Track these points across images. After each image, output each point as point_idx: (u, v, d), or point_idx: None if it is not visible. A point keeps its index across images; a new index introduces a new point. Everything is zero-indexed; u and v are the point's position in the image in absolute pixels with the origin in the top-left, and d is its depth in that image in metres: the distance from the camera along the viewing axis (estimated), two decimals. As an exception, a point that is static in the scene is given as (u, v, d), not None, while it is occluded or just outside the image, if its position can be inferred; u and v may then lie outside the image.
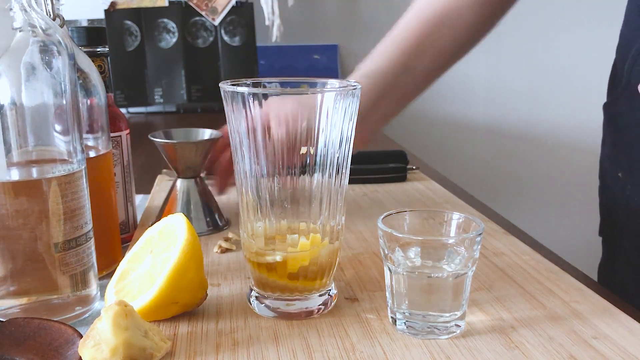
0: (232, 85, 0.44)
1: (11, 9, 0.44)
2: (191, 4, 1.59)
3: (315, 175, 0.44)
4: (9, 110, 0.44)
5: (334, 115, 0.43)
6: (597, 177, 0.79)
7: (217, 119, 0.67)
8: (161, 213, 0.66)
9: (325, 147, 0.44)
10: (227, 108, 0.45)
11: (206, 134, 0.66)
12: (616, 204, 0.75)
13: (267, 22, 1.66)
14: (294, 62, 1.80)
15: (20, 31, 0.44)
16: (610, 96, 0.75)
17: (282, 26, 1.66)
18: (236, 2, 1.59)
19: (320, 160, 0.44)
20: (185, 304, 0.46)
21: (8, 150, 0.45)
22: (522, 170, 1.91)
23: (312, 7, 1.81)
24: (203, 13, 1.59)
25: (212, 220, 0.66)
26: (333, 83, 0.48)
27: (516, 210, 1.80)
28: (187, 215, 0.63)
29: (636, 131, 0.69)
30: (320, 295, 0.47)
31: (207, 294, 0.47)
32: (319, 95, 0.43)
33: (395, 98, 0.72)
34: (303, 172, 0.44)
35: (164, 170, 0.88)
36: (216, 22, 1.59)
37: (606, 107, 0.76)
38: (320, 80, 0.48)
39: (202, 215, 0.65)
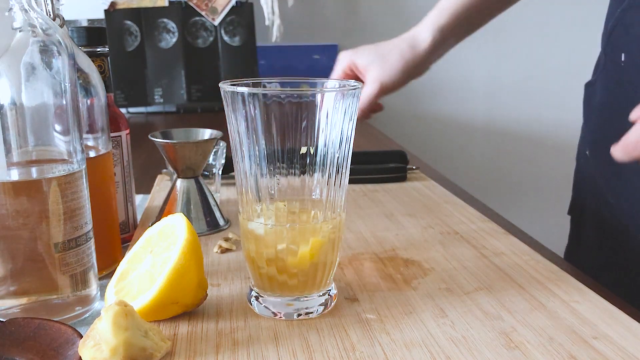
0: (232, 85, 0.44)
1: (11, 9, 0.44)
2: (191, 4, 1.59)
3: (315, 175, 0.44)
4: (9, 110, 0.44)
5: (334, 115, 0.43)
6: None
7: (217, 119, 0.67)
8: (161, 213, 0.66)
9: (325, 147, 0.44)
10: (227, 108, 0.45)
11: (206, 134, 0.66)
12: (584, 183, 0.76)
13: (267, 22, 1.66)
14: (294, 62, 1.80)
15: (20, 31, 0.44)
16: (593, 76, 0.76)
17: (282, 26, 1.66)
18: (236, 2, 1.59)
19: (320, 160, 0.44)
20: (185, 304, 0.46)
21: (8, 150, 0.45)
22: (522, 170, 1.91)
23: (312, 7, 1.82)
24: (203, 13, 1.59)
25: (212, 220, 0.66)
26: (333, 83, 0.48)
27: (516, 210, 1.80)
28: (187, 215, 0.63)
29: (605, 111, 0.70)
30: (320, 295, 0.47)
31: (207, 294, 0.47)
32: (319, 95, 0.43)
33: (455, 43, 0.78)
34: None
35: (164, 170, 0.88)
36: (216, 22, 1.59)
37: (586, 87, 0.77)
38: (320, 80, 0.48)
39: (202, 215, 0.65)
